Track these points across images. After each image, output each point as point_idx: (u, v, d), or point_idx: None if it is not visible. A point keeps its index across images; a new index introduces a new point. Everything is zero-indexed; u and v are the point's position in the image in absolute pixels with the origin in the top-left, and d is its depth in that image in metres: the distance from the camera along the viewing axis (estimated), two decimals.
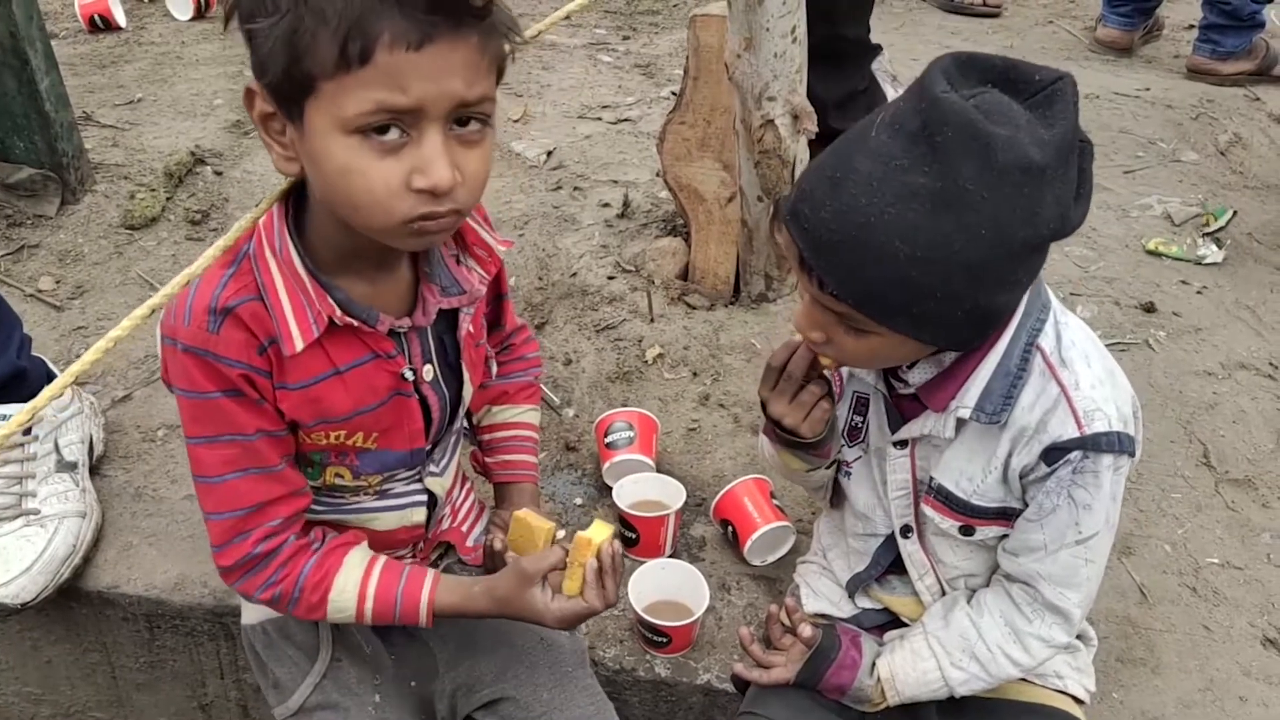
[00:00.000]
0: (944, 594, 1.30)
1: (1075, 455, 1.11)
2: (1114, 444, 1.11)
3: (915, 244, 0.98)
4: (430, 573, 1.23)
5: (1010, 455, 1.15)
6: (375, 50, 0.90)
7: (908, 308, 1.03)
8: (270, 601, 1.18)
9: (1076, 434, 1.11)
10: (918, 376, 1.17)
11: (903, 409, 1.23)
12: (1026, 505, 1.19)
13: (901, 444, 1.23)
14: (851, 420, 1.29)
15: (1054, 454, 1.12)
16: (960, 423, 1.16)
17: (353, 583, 1.19)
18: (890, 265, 1.00)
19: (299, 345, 1.07)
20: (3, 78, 2.16)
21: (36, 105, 2.21)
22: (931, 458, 1.22)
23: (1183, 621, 1.60)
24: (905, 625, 1.34)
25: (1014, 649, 1.22)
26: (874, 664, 1.27)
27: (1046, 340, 1.13)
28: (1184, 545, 1.71)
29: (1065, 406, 1.11)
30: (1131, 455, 1.13)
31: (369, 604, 1.19)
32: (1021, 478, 1.17)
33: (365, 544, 1.24)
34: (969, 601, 1.26)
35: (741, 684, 1.43)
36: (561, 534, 1.34)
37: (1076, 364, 1.12)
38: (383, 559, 1.23)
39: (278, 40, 0.91)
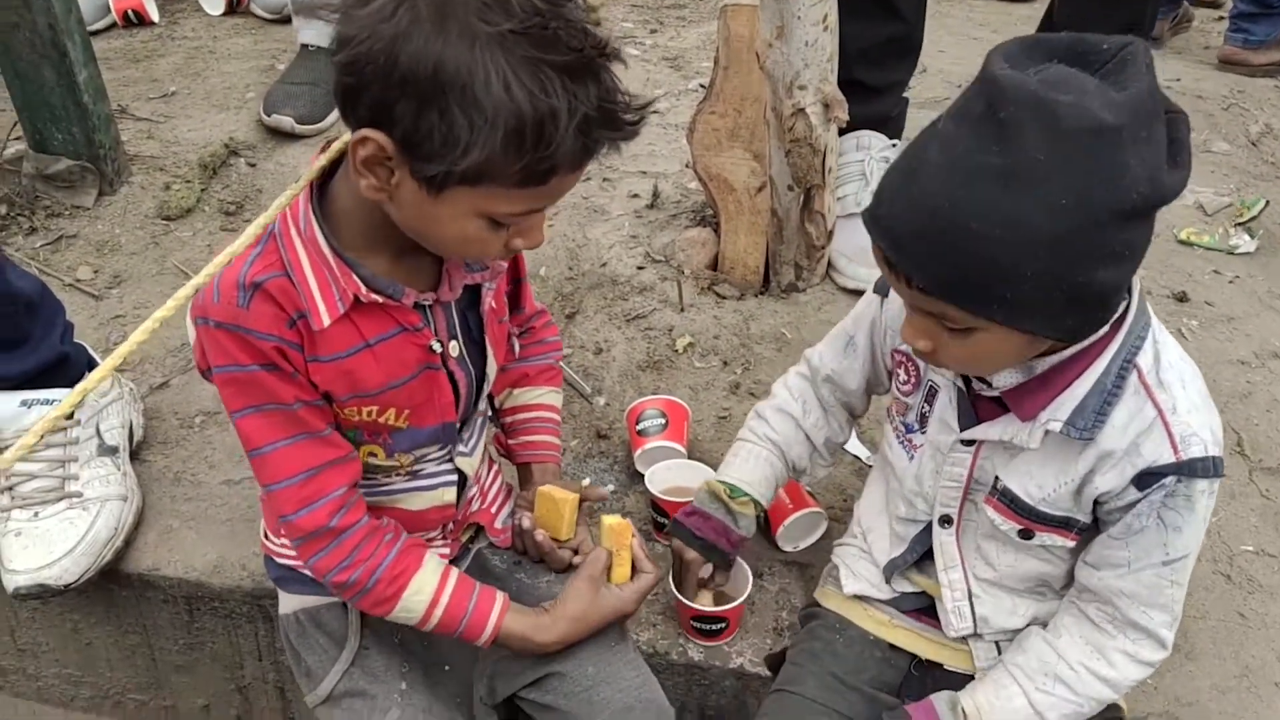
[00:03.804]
0: (969, 595, 1.29)
1: (1170, 481, 1.09)
2: (1209, 469, 1.09)
3: (991, 222, 0.95)
4: (499, 598, 1.26)
5: (1092, 473, 1.13)
6: (553, 177, 0.98)
7: (1000, 294, 0.98)
8: (343, 585, 1.19)
9: (1172, 459, 1.08)
10: (1005, 380, 1.14)
11: (978, 409, 1.21)
12: (1096, 520, 1.17)
13: (968, 443, 1.22)
14: (922, 409, 1.28)
15: (1147, 479, 1.10)
16: (1046, 434, 1.13)
17: (429, 587, 1.22)
18: (970, 248, 0.96)
19: (326, 321, 1.10)
20: (42, 70, 2.19)
21: (75, 97, 2.24)
22: (997, 459, 1.20)
23: (1217, 608, 1.59)
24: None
25: (1098, 664, 1.19)
26: (957, 706, 1.23)
27: (1144, 359, 1.10)
28: (1218, 533, 1.70)
29: (1161, 430, 1.09)
30: (1222, 478, 1.12)
31: (439, 611, 1.22)
32: (1099, 500, 1.15)
33: (434, 552, 1.28)
34: (1044, 627, 1.25)
35: (775, 665, 1.44)
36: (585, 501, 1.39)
37: (1174, 386, 1.10)
38: (456, 571, 1.26)
39: (462, 151, 0.94)
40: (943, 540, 1.29)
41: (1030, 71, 0.96)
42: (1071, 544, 1.21)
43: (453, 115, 0.92)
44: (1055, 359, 1.11)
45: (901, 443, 1.33)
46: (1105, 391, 1.09)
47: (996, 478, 1.20)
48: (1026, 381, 1.12)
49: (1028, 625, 1.29)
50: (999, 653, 1.30)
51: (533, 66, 0.92)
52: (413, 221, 1.05)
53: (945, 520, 1.28)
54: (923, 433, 1.28)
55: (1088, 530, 1.20)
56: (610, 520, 1.31)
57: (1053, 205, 0.94)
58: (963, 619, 1.30)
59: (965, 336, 1.05)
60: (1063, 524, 1.18)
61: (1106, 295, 1.02)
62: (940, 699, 1.25)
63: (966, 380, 1.21)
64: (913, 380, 1.29)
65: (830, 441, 1.47)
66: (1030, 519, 1.19)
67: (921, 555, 1.34)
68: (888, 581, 1.37)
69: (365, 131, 0.97)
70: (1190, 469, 1.08)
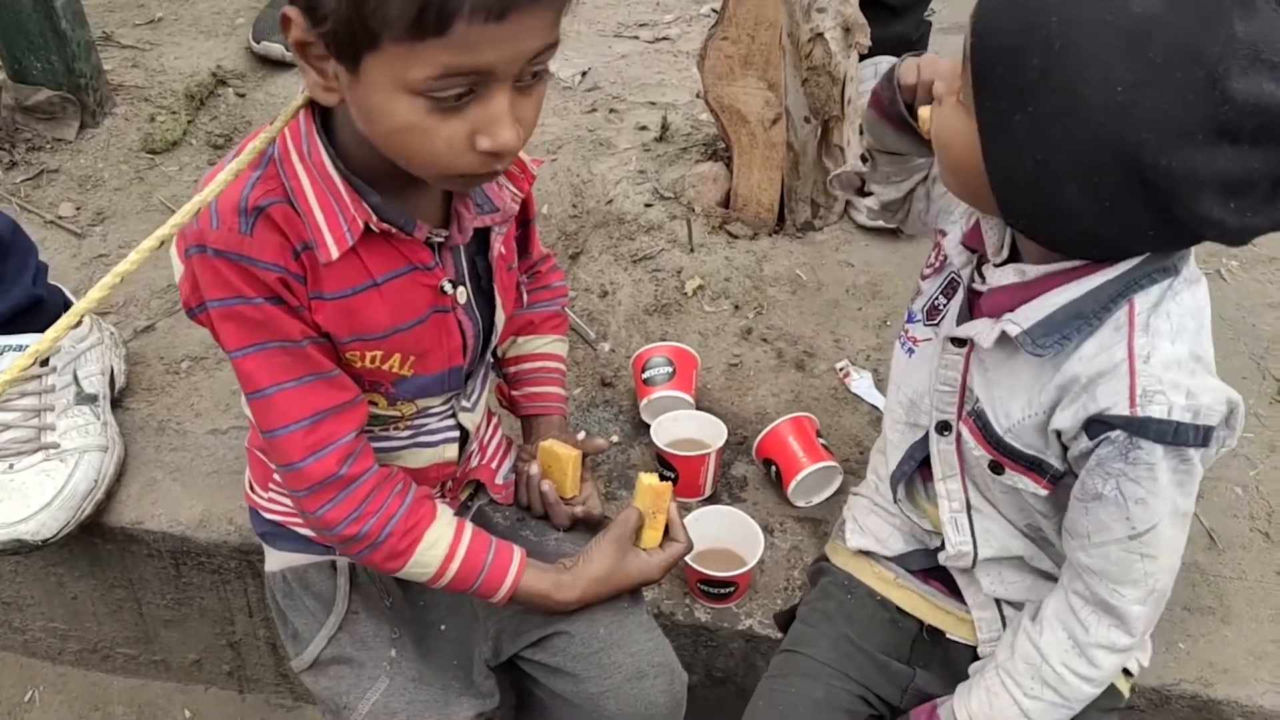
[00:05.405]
0: (968, 507, 1.19)
1: (1118, 435, 0.97)
2: (1165, 435, 0.96)
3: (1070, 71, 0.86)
4: (517, 552, 1.18)
5: (1055, 407, 1.03)
6: (454, 23, 0.83)
7: (1010, 128, 0.91)
8: (353, 538, 1.11)
9: (1126, 412, 0.96)
10: (997, 278, 1.06)
11: (974, 308, 1.12)
12: (1071, 469, 1.07)
13: (959, 342, 1.12)
14: (936, 299, 1.19)
15: (1095, 427, 0.99)
16: (1006, 340, 1.03)
17: (445, 540, 1.14)
18: (1036, 57, 0.87)
19: (334, 253, 1.01)
20: None
21: (52, 23, 2.12)
22: (976, 373, 1.11)
23: (1254, 568, 1.51)
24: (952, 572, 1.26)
25: (1080, 664, 1.10)
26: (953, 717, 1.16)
27: (1144, 298, 0.98)
28: (1256, 488, 1.61)
29: (1125, 376, 0.97)
30: (1202, 446, 0.98)
31: (454, 565, 1.14)
32: (1064, 444, 1.05)
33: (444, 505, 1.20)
34: (1032, 619, 1.15)
35: (785, 622, 1.37)
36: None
37: (1160, 334, 0.97)
38: (469, 524, 1.18)
39: None
40: (941, 448, 1.19)
41: None
42: (1044, 493, 1.09)
43: None
44: (1046, 269, 1.02)
45: (899, 334, 1.25)
46: (1083, 317, 0.99)
47: (976, 396, 1.12)
48: (1014, 283, 1.05)
49: (1029, 570, 1.20)
50: (1003, 626, 1.22)
51: None
52: (361, 120, 0.96)
53: (943, 427, 1.18)
54: (925, 325, 1.20)
55: (1064, 480, 1.09)
56: (650, 480, 1.22)
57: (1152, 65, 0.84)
58: (960, 533, 1.20)
59: (958, 115, 0.98)
60: (1032, 465, 1.08)
61: (1071, 220, 0.93)
62: (945, 710, 1.18)
63: (974, 277, 1.13)
64: (936, 264, 1.21)
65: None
66: (998, 450, 1.10)
67: (919, 465, 1.24)
68: (895, 500, 1.28)
69: (284, 9, 0.89)
70: (1142, 428, 0.96)
